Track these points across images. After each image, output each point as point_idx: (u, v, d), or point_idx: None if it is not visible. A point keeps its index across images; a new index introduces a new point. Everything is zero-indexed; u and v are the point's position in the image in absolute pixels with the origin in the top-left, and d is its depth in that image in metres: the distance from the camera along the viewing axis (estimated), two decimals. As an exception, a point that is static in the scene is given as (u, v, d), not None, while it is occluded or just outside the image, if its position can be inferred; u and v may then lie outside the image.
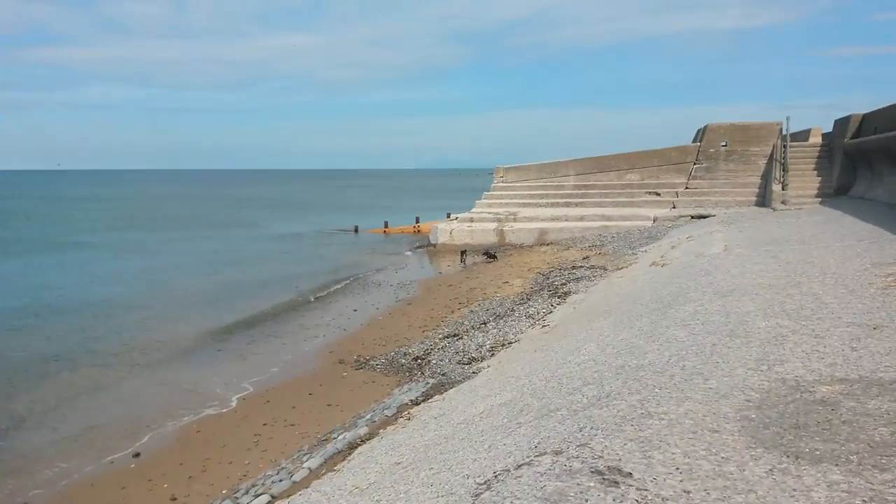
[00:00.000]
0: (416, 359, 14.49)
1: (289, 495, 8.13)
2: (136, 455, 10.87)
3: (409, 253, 37.94)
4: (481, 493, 5.19)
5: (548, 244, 32.12)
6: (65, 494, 9.68)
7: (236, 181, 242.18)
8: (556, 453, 5.76)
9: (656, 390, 6.75)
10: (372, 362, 14.89)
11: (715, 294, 11.65)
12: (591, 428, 6.13)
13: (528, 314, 16.91)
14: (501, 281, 23.93)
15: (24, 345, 18.70)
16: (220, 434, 11.45)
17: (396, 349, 15.71)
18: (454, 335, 16.07)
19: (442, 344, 15.38)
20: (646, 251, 23.55)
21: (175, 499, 9.00)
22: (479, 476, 5.96)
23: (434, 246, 37.42)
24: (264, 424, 11.61)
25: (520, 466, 5.72)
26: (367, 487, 7.23)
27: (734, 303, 10.70)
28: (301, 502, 7.41)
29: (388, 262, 34.23)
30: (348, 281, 28.64)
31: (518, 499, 4.74)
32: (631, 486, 4.61)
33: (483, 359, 13.38)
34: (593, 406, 6.86)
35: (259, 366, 15.99)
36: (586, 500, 4.49)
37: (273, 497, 8.14)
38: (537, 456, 5.85)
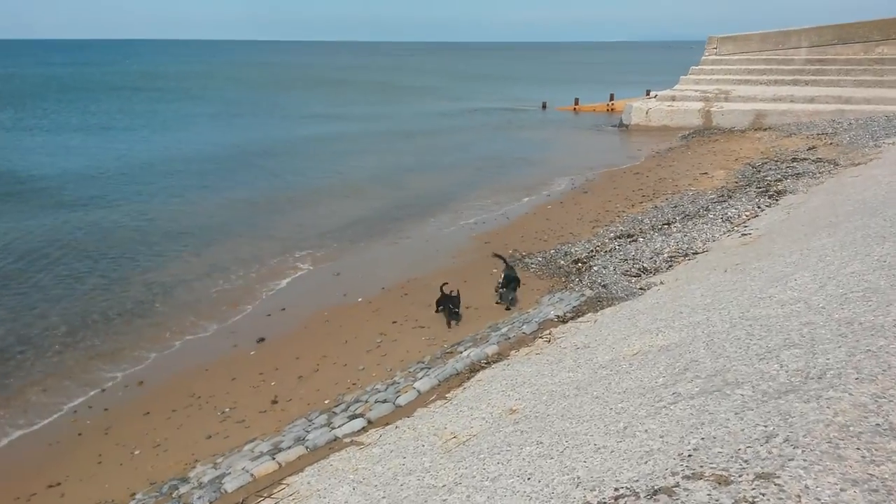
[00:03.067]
0: (576, 261, 12.40)
1: (386, 423, 6.84)
2: (261, 340, 10.30)
3: (597, 133, 34.56)
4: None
5: (765, 129, 27.18)
6: (177, 376, 9.33)
7: (421, 53, 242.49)
8: (720, 482, 3.62)
9: (910, 385, 4.21)
10: (527, 260, 13.06)
11: None
12: (786, 441, 3.85)
13: (725, 216, 13.87)
14: (700, 171, 20.45)
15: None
16: (348, 327, 10.51)
17: (558, 246, 13.69)
18: (628, 235, 13.63)
19: (611, 245, 13.06)
20: (894, 144, 18.59)
21: (276, 402, 8.18)
22: (593, 489, 4.04)
23: (627, 127, 33.68)
24: (394, 322, 10.46)
25: (656, 494, 3.69)
26: (465, 442, 5.64)
27: None
28: (388, 443, 6.03)
29: (569, 142, 31.37)
30: (517, 161, 26.51)
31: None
32: None
33: (657, 271, 10.96)
34: (794, 392, 4.49)
35: (409, 252, 14.90)
36: None
37: (369, 422, 6.91)
38: (687, 479, 3.75)
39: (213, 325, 11.29)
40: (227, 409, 8.21)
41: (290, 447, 6.61)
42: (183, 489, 6.25)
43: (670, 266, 11.09)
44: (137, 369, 9.78)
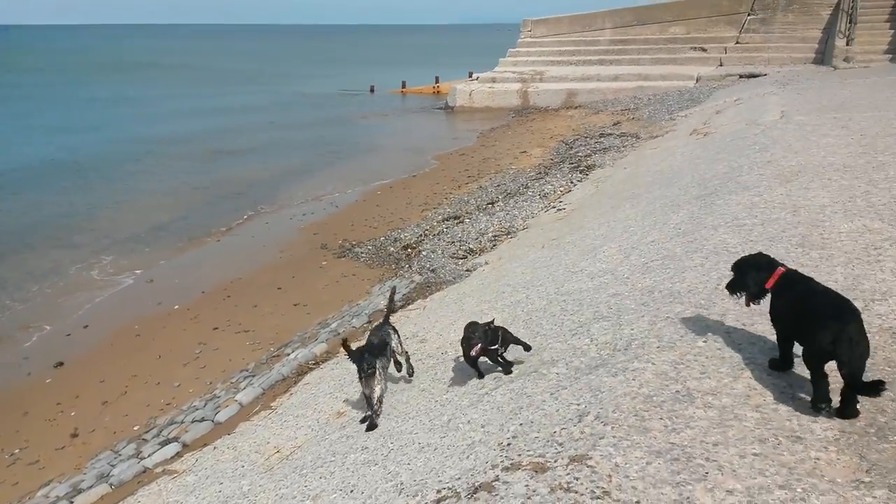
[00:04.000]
0: (405, 247, 12.31)
1: (204, 444, 6.29)
2: (59, 364, 9.15)
3: (424, 115, 34.88)
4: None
5: (576, 107, 28.84)
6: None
7: (246, 36, 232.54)
8: (537, 470, 3.59)
9: (699, 342, 4.47)
10: (357, 249, 12.78)
11: (776, 178, 9.04)
12: (596, 419, 3.92)
13: (542, 193, 14.45)
14: (519, 150, 21.22)
15: None
16: (162, 339, 9.63)
17: (388, 233, 13.53)
18: (455, 217, 13.78)
19: (439, 228, 13.13)
20: (686, 116, 20.45)
21: (76, 435, 7.26)
22: (416, 494, 3.88)
23: (452, 108, 34.26)
24: (215, 329, 9.75)
25: (476, 492, 3.59)
26: (289, 456, 5.28)
27: (801, 192, 8.14)
28: (204, 468, 5.51)
29: (398, 127, 31.41)
30: (346, 148, 26.07)
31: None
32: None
33: (482, 251, 11.15)
34: (604, 366, 4.62)
35: (232, 251, 14.02)
36: None
37: (184, 446, 6.31)
38: (506, 471, 3.70)
39: (3, 351, 9.88)
40: (17, 451, 7.15)
41: (91, 486, 5.87)
42: (-42, 556, 5.32)
43: (494, 245, 11.33)
44: None
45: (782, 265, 4.14)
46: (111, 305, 11.35)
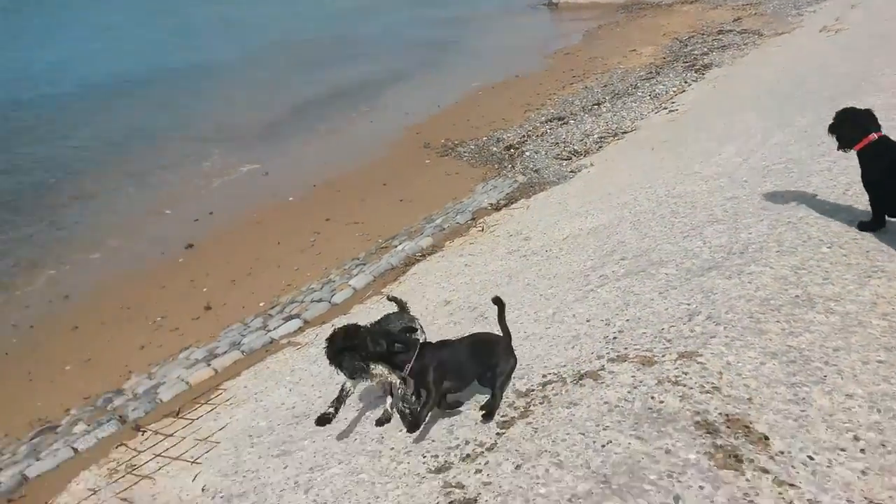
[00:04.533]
0: (508, 147, 12.27)
1: (322, 322, 6.82)
2: (189, 246, 9.96)
3: (527, 13, 33.48)
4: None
5: (692, 2, 26.84)
6: (104, 288, 9.00)
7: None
8: (644, 363, 3.73)
9: (823, 248, 4.35)
10: (460, 148, 12.85)
11: (922, 82, 8.27)
12: (708, 318, 3.97)
13: (653, 93, 13.83)
14: (629, 49, 20.16)
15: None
16: (280, 227, 10.24)
17: (490, 133, 13.48)
18: (559, 118, 13.50)
19: (542, 129, 12.94)
20: (815, 11, 18.65)
21: (209, 308, 8.01)
22: (522, 377, 4.12)
23: (556, 6, 32.76)
24: (327, 220, 10.25)
25: (582, 378, 3.78)
26: (401, 336, 5.66)
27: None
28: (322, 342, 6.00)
29: (500, 26, 30.34)
30: (448, 48, 25.58)
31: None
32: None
33: (587, 153, 10.96)
34: (717, 268, 4.61)
35: (339, 147, 14.43)
36: None
37: (305, 322, 6.88)
38: (612, 362, 3.86)
39: (138, 233, 10.83)
40: (159, 319, 8.01)
41: (225, 352, 6.53)
42: (118, 402, 6.15)
43: (600, 147, 11.10)
44: (61, 283, 9.36)
45: (878, 131, 4.29)
46: (232, 195, 12.07)
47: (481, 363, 3.70)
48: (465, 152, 12.60)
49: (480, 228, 8.47)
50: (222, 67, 24.15)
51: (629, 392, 3.47)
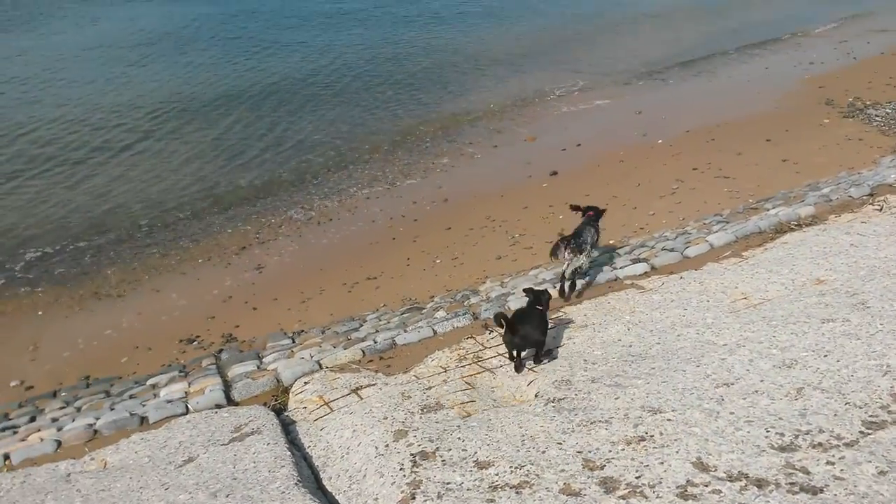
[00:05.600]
0: (940, 116, 10.06)
1: (671, 272, 6.61)
2: (554, 173, 10.48)
3: None
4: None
5: None
6: (476, 198, 9.98)
7: None
8: None
9: None
10: (871, 111, 10.97)
11: None
12: None
13: None
14: None
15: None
16: (643, 169, 10.13)
17: (917, 96, 11.20)
18: None
19: None
20: None
21: (562, 234, 8.36)
22: None
23: None
24: (694, 169, 9.78)
25: None
26: (757, 305, 5.24)
27: None
28: (670, 292, 5.87)
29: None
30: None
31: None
32: None
33: None
34: None
35: (723, 92, 13.48)
36: None
37: (652, 268, 6.73)
38: None
39: (512, 151, 11.74)
40: (517, 235, 8.69)
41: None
42: (473, 300, 6.91)
43: None
44: (444, 187, 10.67)
45: None
46: (601, 128, 12.26)
47: None
48: (876, 115, 10.74)
49: (879, 207, 7.21)
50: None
51: None
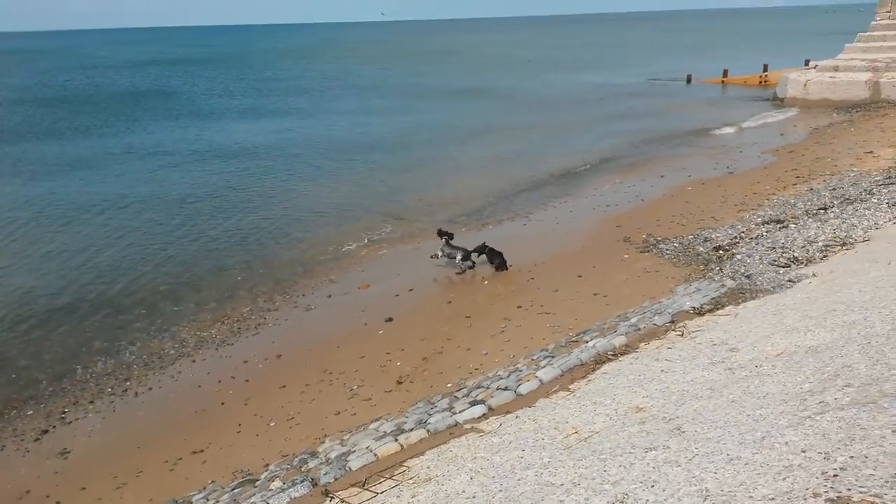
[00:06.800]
0: (717, 248, 11.62)
1: (507, 411, 6.76)
2: (389, 319, 10.57)
3: (747, 108, 32.17)
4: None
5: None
6: (311, 351, 9.75)
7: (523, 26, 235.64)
8: (873, 514, 3.20)
9: None
10: (661, 245, 12.43)
11: None
12: (960, 471, 3.34)
13: (892, 201, 12.41)
14: (864, 150, 18.51)
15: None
16: (472, 309, 10.54)
17: (697, 232, 12.91)
18: (778, 221, 12.58)
19: (758, 232, 12.12)
20: None
21: (401, 382, 8.35)
22: (723, 505, 3.72)
23: (782, 101, 31.18)
24: (518, 307, 10.34)
25: (794, 518, 3.33)
26: (587, 438, 5.43)
27: None
28: (508, 433, 5.95)
29: (721, 120, 29.41)
30: (657, 139, 25.26)
31: None
32: None
33: (809, 262, 10.02)
34: (973, 412, 3.89)
35: (536, 234, 14.67)
36: None
37: (490, 409, 6.86)
38: (830, 502, 3.36)
39: (347, 300, 11.74)
40: (356, 387, 8.49)
41: (412, 429, 6.70)
42: (312, 463, 6.53)
43: (825, 256, 10.09)
44: (277, 342, 10.31)
45: None
46: (432, 273, 12.71)
47: None
48: (667, 249, 12.16)
49: (680, 333, 8.00)
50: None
51: (853, 547, 2.97)
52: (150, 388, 9.16)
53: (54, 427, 8.36)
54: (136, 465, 7.28)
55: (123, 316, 11.50)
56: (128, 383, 9.33)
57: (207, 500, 6.23)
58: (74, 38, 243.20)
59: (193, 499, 6.35)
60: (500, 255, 12.24)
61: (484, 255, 12.38)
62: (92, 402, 8.91)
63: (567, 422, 5.91)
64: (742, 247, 11.39)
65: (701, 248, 11.85)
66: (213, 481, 6.77)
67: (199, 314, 11.57)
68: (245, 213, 17.52)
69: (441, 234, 12.70)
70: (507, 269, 12.16)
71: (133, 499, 6.62)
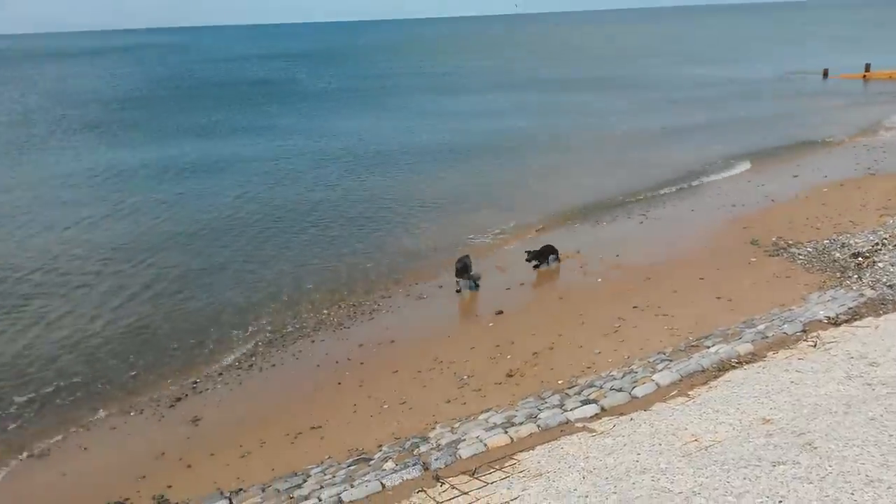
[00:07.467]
0: (855, 255, 10.77)
1: (620, 413, 6.60)
2: (499, 312, 10.62)
3: (891, 105, 29.51)
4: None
5: None
6: (423, 340, 9.93)
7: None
8: None
9: None
10: (793, 249, 11.68)
11: None
12: None
13: None
14: None
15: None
16: (585, 307, 10.36)
17: (833, 237, 12.03)
18: (928, 228, 11.49)
19: (904, 238, 11.12)
20: None
21: (511, 375, 8.35)
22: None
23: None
24: (634, 307, 10.05)
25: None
26: (707, 447, 5.21)
27: None
28: (622, 435, 5.81)
29: (857, 117, 27.16)
30: (791, 137, 23.68)
31: None
32: None
33: (966, 273, 9.09)
34: None
35: (655, 233, 14.18)
36: None
37: (602, 409, 6.72)
38: None
39: (456, 297, 11.88)
40: (466, 377, 8.59)
41: (522, 423, 6.69)
42: (423, 448, 6.67)
43: None
44: (391, 329, 10.57)
45: None
46: (546, 270, 12.55)
47: None
48: (800, 254, 11.41)
49: (813, 343, 7.49)
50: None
51: None
52: (274, 365, 9.68)
53: (186, 395, 9.01)
54: (259, 436, 7.73)
55: (249, 297, 12.18)
56: (253, 359, 9.90)
57: (325, 474, 6.51)
58: (188, 34, 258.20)
59: (312, 471, 6.66)
60: (542, 254, 12.26)
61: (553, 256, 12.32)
62: (221, 374, 9.54)
63: (686, 428, 5.70)
64: (885, 254, 10.50)
65: (837, 254, 11.03)
66: (329, 457, 7.07)
67: (317, 297, 12.06)
68: (367, 205, 17.99)
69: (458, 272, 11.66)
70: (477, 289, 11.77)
71: (258, 467, 7.04)
